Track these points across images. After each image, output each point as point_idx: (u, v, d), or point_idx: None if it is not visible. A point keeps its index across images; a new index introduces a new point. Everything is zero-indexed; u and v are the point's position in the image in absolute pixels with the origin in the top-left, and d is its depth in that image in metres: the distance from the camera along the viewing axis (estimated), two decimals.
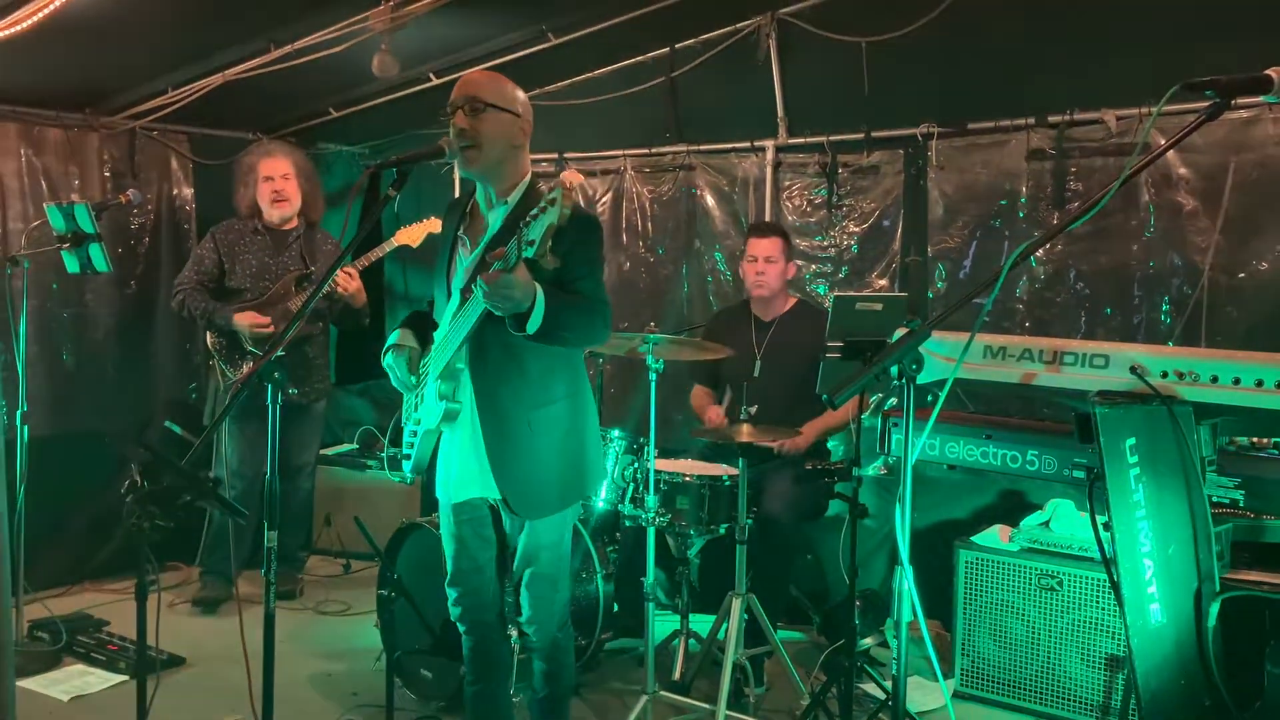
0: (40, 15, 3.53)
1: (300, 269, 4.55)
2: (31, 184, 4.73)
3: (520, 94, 2.70)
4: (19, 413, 3.87)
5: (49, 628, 4.03)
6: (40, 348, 4.76)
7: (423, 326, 2.89)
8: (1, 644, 1.99)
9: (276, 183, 4.53)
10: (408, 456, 2.86)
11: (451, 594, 2.86)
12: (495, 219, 2.70)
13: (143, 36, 4.02)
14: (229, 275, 4.55)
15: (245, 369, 4.47)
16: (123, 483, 2.34)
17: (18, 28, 3.58)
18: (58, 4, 3.48)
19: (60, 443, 4.67)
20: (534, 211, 2.29)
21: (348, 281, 4.40)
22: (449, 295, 2.76)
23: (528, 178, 2.72)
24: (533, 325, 2.44)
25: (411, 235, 4.51)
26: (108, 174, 4.99)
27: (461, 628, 2.89)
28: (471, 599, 2.85)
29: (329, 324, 4.77)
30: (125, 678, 3.77)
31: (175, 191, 5.26)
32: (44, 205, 4.04)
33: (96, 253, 3.95)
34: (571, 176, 2.16)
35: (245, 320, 4.41)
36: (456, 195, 5.64)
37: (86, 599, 4.61)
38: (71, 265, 3.98)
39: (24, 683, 3.67)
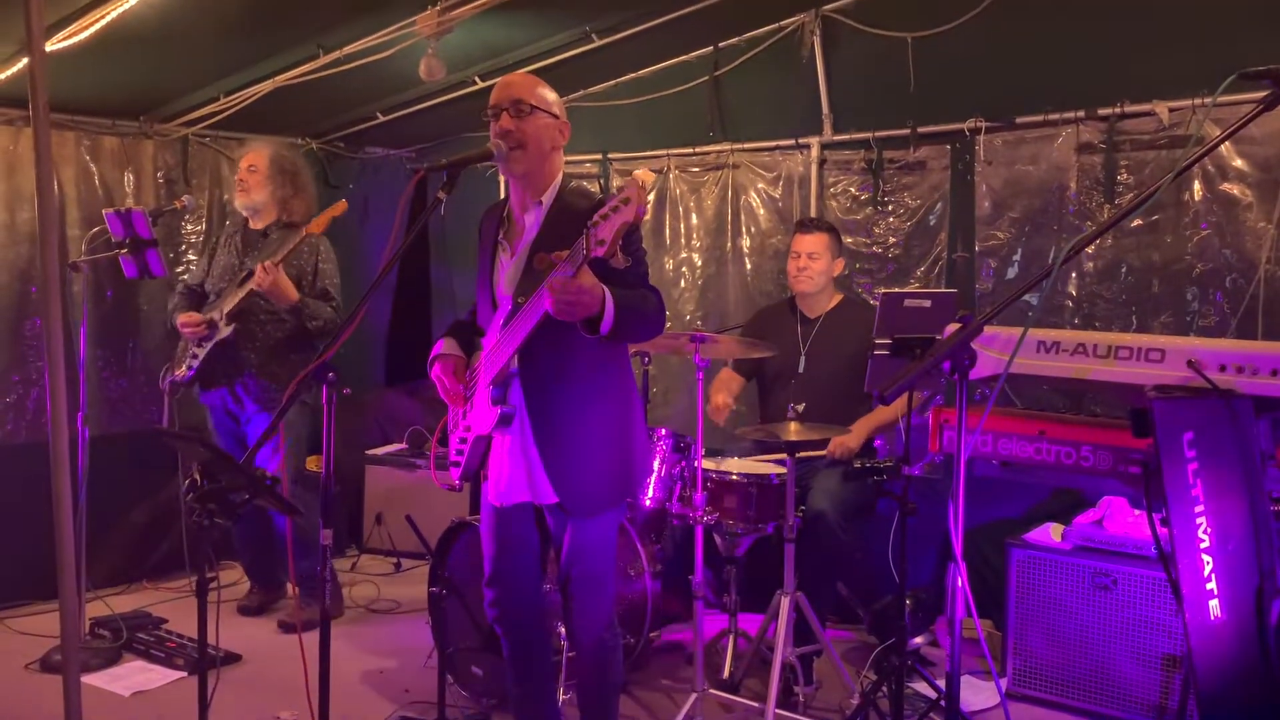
0: (97, 27, 3.61)
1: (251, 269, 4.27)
2: (89, 191, 4.84)
3: (556, 96, 2.73)
4: (80, 414, 3.95)
5: (110, 625, 4.12)
6: (99, 350, 4.88)
7: (466, 335, 2.92)
8: (68, 641, 2.04)
9: (242, 173, 4.37)
10: (457, 464, 2.86)
11: (489, 595, 2.88)
12: (532, 221, 2.72)
13: (195, 45, 4.09)
14: (208, 277, 4.47)
15: (178, 371, 4.33)
16: (179, 483, 2.38)
17: (75, 39, 3.66)
18: (113, 16, 3.56)
19: (118, 444, 4.77)
20: (604, 211, 2.24)
21: (262, 276, 4.08)
22: (494, 301, 2.77)
23: (560, 178, 2.74)
24: (605, 326, 2.43)
25: (318, 223, 4.17)
26: (161, 180, 5.09)
27: (501, 630, 2.90)
28: (510, 601, 2.86)
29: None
30: (184, 674, 3.84)
31: (226, 196, 5.35)
32: (102, 211, 4.13)
33: (153, 258, 4.04)
34: (645, 175, 2.12)
35: (180, 322, 4.29)
36: (502, 198, 5.70)
37: (145, 597, 4.70)
38: (129, 270, 4.07)
39: (87, 679, 3.74)
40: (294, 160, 4.51)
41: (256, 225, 4.42)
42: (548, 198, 2.71)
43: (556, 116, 2.70)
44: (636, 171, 2.23)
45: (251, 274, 4.16)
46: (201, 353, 4.27)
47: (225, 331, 4.22)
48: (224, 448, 4.37)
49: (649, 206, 5.21)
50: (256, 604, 4.58)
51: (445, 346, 2.88)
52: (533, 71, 4.56)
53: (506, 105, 2.64)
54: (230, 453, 4.25)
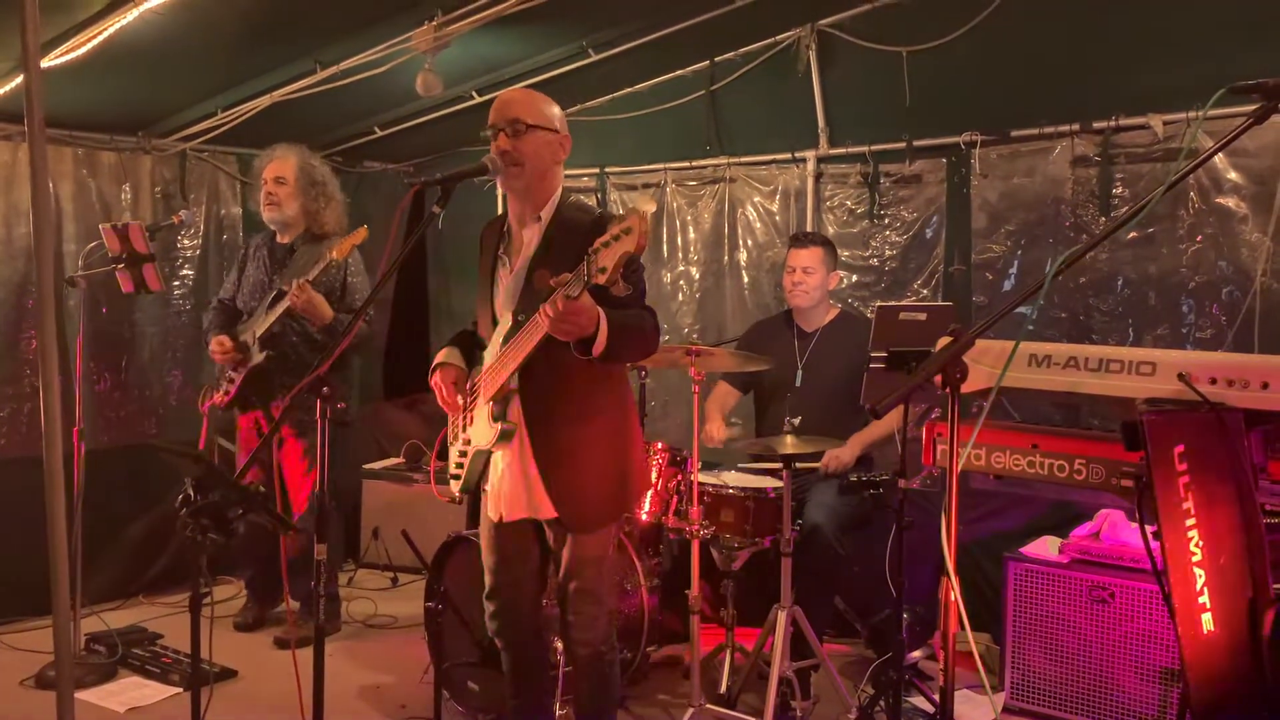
0: (94, 43, 3.62)
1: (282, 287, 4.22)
2: (86, 206, 4.85)
3: (557, 110, 2.74)
4: (76, 429, 3.95)
5: (105, 640, 4.11)
6: (95, 365, 4.88)
7: (468, 346, 2.92)
8: (62, 657, 2.03)
9: (269, 185, 4.31)
10: (456, 476, 2.87)
11: (489, 607, 2.88)
12: (532, 236, 2.73)
13: (193, 61, 4.10)
14: (239, 293, 4.47)
15: (216, 395, 4.34)
16: (175, 498, 2.38)
17: (73, 55, 3.67)
18: (111, 32, 3.57)
19: (114, 458, 4.77)
20: (605, 239, 2.26)
21: (298, 294, 4.03)
22: (494, 316, 2.78)
23: (559, 193, 2.75)
24: (597, 348, 2.45)
25: (340, 250, 4.06)
26: (159, 195, 5.10)
27: (500, 643, 2.92)
28: (509, 614, 2.87)
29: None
30: (179, 690, 3.83)
31: (224, 211, 5.37)
32: (99, 226, 4.14)
33: (150, 273, 4.04)
34: (648, 205, 2.16)
35: (210, 349, 4.29)
36: (499, 212, 5.71)
37: (140, 612, 4.69)
38: (125, 285, 4.07)
39: (81, 694, 3.73)
40: (322, 169, 4.44)
41: (284, 239, 4.39)
42: (546, 213, 2.72)
43: (556, 131, 2.71)
44: (639, 202, 2.27)
45: (281, 295, 4.11)
46: (238, 377, 4.27)
47: (259, 358, 4.19)
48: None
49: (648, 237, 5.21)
50: (251, 620, 4.56)
51: (446, 356, 2.88)
52: (529, 86, 4.59)
53: (504, 125, 2.64)
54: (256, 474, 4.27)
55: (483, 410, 2.74)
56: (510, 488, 2.74)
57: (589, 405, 2.70)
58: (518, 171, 2.65)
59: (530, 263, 2.68)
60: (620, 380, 2.81)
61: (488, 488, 2.83)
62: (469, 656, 3.44)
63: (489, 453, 2.78)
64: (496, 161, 2.64)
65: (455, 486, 2.89)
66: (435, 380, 2.85)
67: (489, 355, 2.75)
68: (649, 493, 3.81)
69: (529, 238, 2.73)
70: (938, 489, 4.29)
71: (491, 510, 2.81)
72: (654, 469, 3.81)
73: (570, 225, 2.65)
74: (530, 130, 2.64)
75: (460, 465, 2.85)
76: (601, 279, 2.26)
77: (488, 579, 2.88)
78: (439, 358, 2.88)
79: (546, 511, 2.70)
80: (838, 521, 3.75)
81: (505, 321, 2.69)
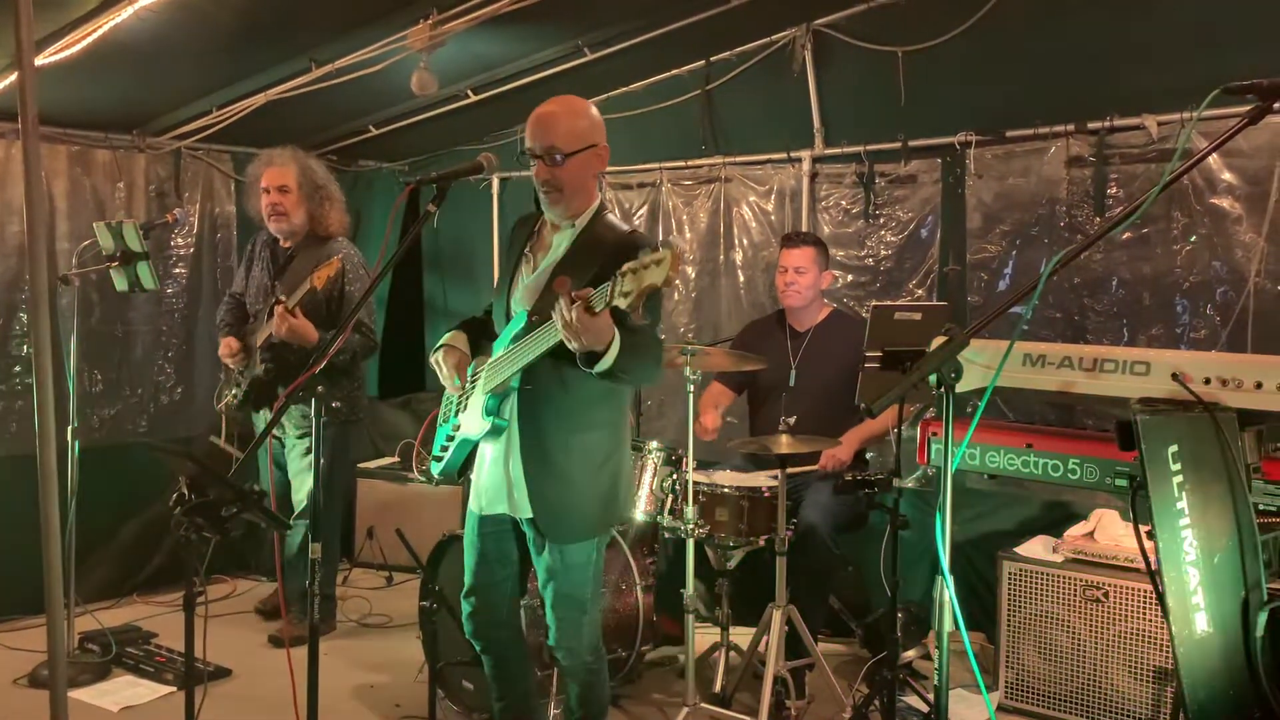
0: (89, 40, 3.61)
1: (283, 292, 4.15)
2: (80, 204, 4.84)
3: (594, 115, 2.70)
4: (69, 428, 3.94)
5: (99, 639, 4.10)
6: (89, 364, 4.87)
7: (476, 333, 2.92)
8: (56, 656, 2.03)
9: (273, 195, 4.23)
10: (438, 458, 2.89)
11: (466, 607, 2.87)
12: (561, 241, 2.72)
13: (188, 59, 4.10)
14: (246, 293, 4.48)
15: (228, 398, 4.35)
16: (169, 496, 2.38)
17: (68, 52, 3.67)
18: (105, 29, 3.56)
19: (108, 458, 4.76)
20: (633, 264, 2.23)
21: (279, 324, 3.95)
22: (508, 311, 2.78)
23: (596, 202, 2.74)
24: (602, 366, 2.44)
25: (318, 279, 3.94)
26: (153, 193, 5.09)
27: (477, 645, 2.89)
28: (486, 615, 2.86)
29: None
30: (173, 689, 3.82)
31: (218, 210, 5.36)
32: (92, 224, 4.13)
33: (144, 271, 4.03)
34: (682, 245, 2.20)
35: (221, 348, 4.31)
36: (494, 211, 5.71)
37: (135, 611, 4.69)
38: (120, 284, 4.06)
39: (75, 694, 3.72)
40: (321, 170, 4.38)
41: (285, 244, 4.37)
42: (581, 221, 2.71)
43: (595, 145, 2.67)
44: (676, 240, 2.27)
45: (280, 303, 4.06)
46: (245, 381, 4.28)
47: (259, 369, 4.19)
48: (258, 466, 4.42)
49: (639, 219, 5.21)
50: (273, 608, 4.57)
51: (452, 339, 2.87)
52: (524, 87, 4.58)
53: (541, 153, 2.62)
54: (270, 474, 4.37)
55: (478, 400, 2.73)
56: (493, 482, 2.75)
57: (584, 419, 2.69)
58: (557, 197, 2.65)
59: (554, 267, 2.68)
60: (619, 401, 2.80)
61: (473, 478, 2.83)
62: (464, 655, 3.43)
63: (475, 443, 2.79)
64: (491, 163, 2.64)
65: (435, 468, 2.90)
66: (437, 359, 2.84)
67: (497, 347, 2.74)
68: (644, 492, 3.81)
69: (559, 242, 2.73)
70: (933, 488, 4.30)
71: (474, 503, 2.82)
72: (649, 468, 3.82)
73: (599, 239, 2.65)
74: (569, 158, 2.62)
75: (445, 448, 2.86)
76: (623, 303, 2.25)
77: (466, 577, 2.87)
78: (444, 339, 2.88)
79: (525, 511, 2.69)
80: (833, 521, 3.75)
81: (519, 318, 2.69)
